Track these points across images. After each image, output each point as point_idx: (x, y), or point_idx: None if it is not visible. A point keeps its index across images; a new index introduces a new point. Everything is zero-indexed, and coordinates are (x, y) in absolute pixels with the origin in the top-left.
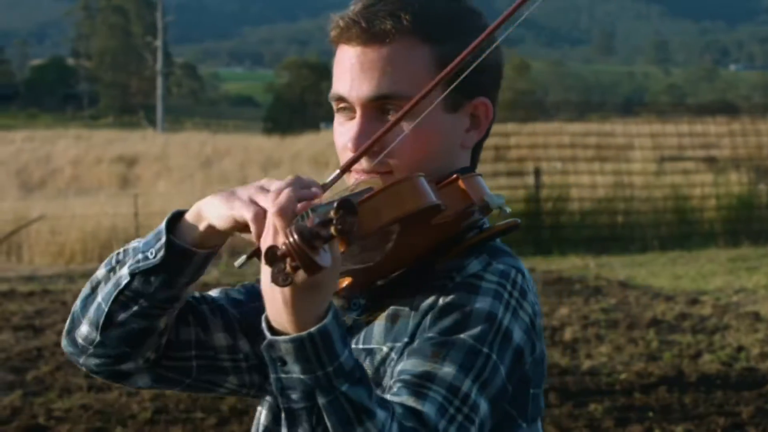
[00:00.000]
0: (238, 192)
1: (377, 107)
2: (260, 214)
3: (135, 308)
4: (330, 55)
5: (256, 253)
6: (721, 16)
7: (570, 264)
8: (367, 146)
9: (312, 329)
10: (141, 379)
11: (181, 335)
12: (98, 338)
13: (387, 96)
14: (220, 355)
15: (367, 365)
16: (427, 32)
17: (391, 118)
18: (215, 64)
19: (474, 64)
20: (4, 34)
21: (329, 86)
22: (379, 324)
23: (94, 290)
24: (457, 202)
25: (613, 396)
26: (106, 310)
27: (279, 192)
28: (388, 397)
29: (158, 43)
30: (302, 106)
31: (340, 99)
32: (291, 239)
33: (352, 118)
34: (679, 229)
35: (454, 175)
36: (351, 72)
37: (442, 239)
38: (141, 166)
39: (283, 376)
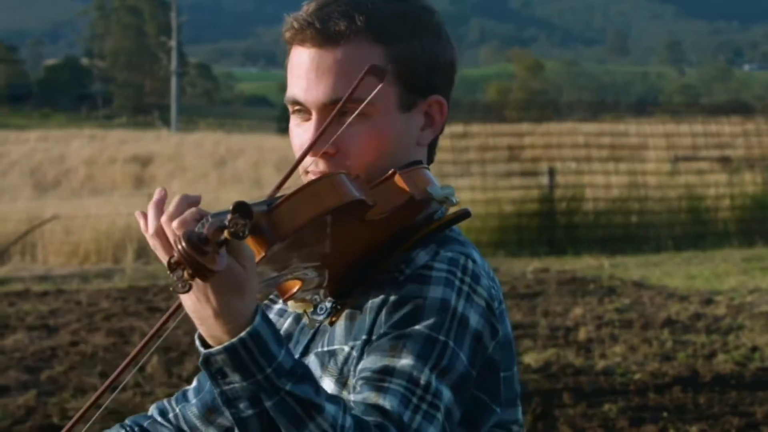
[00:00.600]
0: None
1: (333, 110)
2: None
3: None
4: None
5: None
6: (735, 16)
7: (584, 264)
8: (308, 149)
9: (242, 334)
10: None
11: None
12: None
13: (340, 100)
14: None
15: (332, 367)
16: (381, 32)
17: (347, 120)
18: (229, 64)
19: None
20: (19, 33)
21: None
22: (340, 324)
23: None
24: (394, 197)
25: (627, 396)
26: None
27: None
28: (351, 397)
29: (172, 42)
30: None
31: (296, 102)
32: (180, 246)
33: (308, 119)
34: (694, 229)
35: (391, 170)
36: (306, 75)
37: (391, 234)
38: (155, 166)
39: (226, 388)
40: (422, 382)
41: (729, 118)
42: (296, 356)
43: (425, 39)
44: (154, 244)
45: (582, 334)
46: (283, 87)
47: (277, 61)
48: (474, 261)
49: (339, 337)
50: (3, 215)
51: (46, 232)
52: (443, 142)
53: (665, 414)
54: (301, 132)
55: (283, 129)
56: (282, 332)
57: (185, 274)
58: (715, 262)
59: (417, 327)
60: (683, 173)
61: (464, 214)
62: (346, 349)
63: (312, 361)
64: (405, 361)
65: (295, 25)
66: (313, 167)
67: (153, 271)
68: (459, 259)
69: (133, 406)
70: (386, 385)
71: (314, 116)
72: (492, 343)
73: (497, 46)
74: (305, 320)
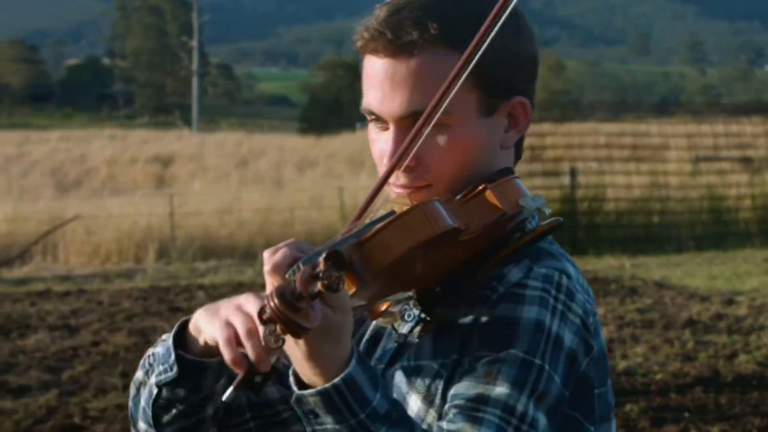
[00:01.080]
0: (221, 309)
1: (411, 122)
2: (232, 339)
3: (174, 411)
4: None
5: (244, 381)
6: (756, 17)
7: (606, 264)
8: (391, 168)
9: (336, 380)
10: None
11: (233, 403)
12: None
13: (419, 112)
14: (277, 407)
15: (419, 383)
16: (456, 38)
17: (426, 131)
18: (250, 64)
19: (475, 59)
20: (40, 33)
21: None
22: (428, 339)
23: (138, 391)
24: (485, 214)
25: (648, 396)
26: (150, 413)
27: (275, 251)
28: (444, 425)
29: (194, 42)
30: (338, 106)
31: (372, 113)
32: (272, 303)
33: (386, 129)
34: (715, 229)
35: (482, 186)
36: (381, 86)
37: (482, 249)
38: (176, 166)
39: (317, 428)
40: (518, 410)
41: (750, 118)
42: (382, 366)
43: (502, 38)
44: (268, 280)
45: (603, 335)
46: (304, 87)
47: (298, 61)
48: (569, 276)
49: (427, 353)
50: (24, 215)
51: (68, 232)
52: None
53: (687, 414)
54: (380, 142)
55: (305, 129)
56: (370, 332)
57: (277, 329)
58: (736, 262)
59: (511, 350)
60: (704, 173)
61: (556, 226)
62: (435, 366)
63: (398, 376)
64: (500, 389)
65: (366, 35)
66: (394, 180)
67: (174, 271)
68: (553, 275)
69: None
70: (481, 415)
71: (392, 128)
72: (586, 360)
73: None
74: (394, 335)
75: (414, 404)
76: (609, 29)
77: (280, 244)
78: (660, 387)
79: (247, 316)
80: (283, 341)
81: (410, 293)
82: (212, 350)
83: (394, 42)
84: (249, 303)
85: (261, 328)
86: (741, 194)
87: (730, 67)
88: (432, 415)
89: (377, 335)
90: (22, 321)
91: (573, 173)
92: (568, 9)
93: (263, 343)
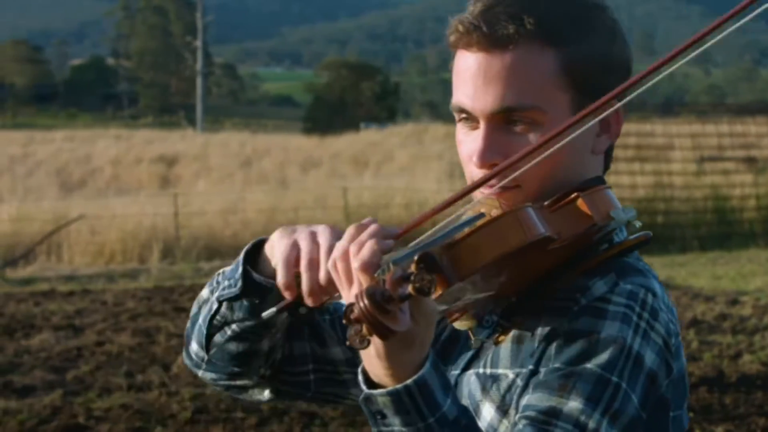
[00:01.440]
0: (296, 231)
1: (502, 119)
2: (291, 262)
3: (229, 332)
4: (369, 55)
5: (288, 306)
6: (761, 17)
7: None
8: (493, 174)
9: (408, 381)
10: (260, 393)
11: (296, 350)
12: (206, 357)
13: (512, 108)
14: (340, 368)
15: (494, 392)
16: (552, 35)
17: (518, 129)
18: (255, 64)
19: (625, 99)
20: (44, 34)
21: (368, 86)
22: (506, 347)
23: (200, 309)
24: (575, 223)
25: None
26: (205, 332)
27: (361, 244)
28: None
29: (198, 43)
30: (342, 106)
31: (462, 110)
32: (362, 304)
33: (476, 128)
34: (719, 229)
35: (574, 194)
36: (473, 82)
37: (567, 258)
38: (181, 165)
39: (383, 429)
40: (590, 427)
41: (755, 118)
42: (457, 371)
43: (598, 39)
44: (357, 277)
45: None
46: (308, 86)
47: (302, 61)
48: (654, 294)
49: (504, 361)
50: (29, 215)
51: (72, 232)
52: None
53: (691, 414)
54: (469, 141)
55: (309, 129)
56: (447, 333)
57: (363, 329)
58: (740, 262)
59: (589, 365)
60: (709, 173)
61: (646, 240)
62: (511, 375)
63: (473, 382)
64: (573, 404)
65: (461, 28)
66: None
67: (178, 271)
68: (639, 292)
69: (159, 405)
70: (551, 429)
71: (482, 125)
72: (665, 381)
73: None
74: (471, 340)
75: (487, 413)
76: None
77: (365, 233)
78: None
79: (316, 244)
80: (368, 342)
81: (491, 299)
82: None
83: (489, 36)
84: (323, 234)
85: (349, 328)
86: (745, 194)
87: (735, 67)
88: (505, 425)
89: (454, 338)
90: (27, 321)
91: None
92: None
93: (322, 283)
